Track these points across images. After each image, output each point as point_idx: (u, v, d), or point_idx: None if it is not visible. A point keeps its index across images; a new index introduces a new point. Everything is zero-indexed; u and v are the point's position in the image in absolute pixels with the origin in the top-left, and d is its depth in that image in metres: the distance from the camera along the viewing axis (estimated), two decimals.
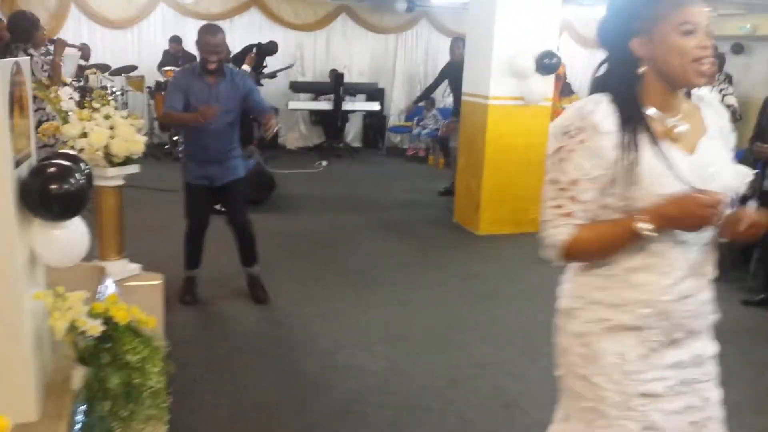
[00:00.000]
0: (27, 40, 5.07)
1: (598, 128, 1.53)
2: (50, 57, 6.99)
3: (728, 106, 6.05)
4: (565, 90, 10.84)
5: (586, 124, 1.55)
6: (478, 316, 4.30)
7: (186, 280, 4.31)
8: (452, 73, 7.36)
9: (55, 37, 7.14)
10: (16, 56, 4.62)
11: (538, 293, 4.74)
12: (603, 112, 1.54)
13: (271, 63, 9.82)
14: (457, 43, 7.37)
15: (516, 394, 3.31)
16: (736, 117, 6.06)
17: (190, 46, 9.56)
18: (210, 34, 3.95)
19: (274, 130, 4.07)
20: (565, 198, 1.62)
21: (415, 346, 3.83)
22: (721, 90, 6.16)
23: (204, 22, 10.17)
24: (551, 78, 6.27)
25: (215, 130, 3.98)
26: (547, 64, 6.04)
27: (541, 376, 3.52)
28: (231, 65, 4.48)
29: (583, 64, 12.13)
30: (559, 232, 1.62)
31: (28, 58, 3.33)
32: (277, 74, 9.86)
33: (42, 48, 6.17)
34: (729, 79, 8.85)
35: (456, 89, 7.31)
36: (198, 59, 4.11)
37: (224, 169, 4.12)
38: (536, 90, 6.09)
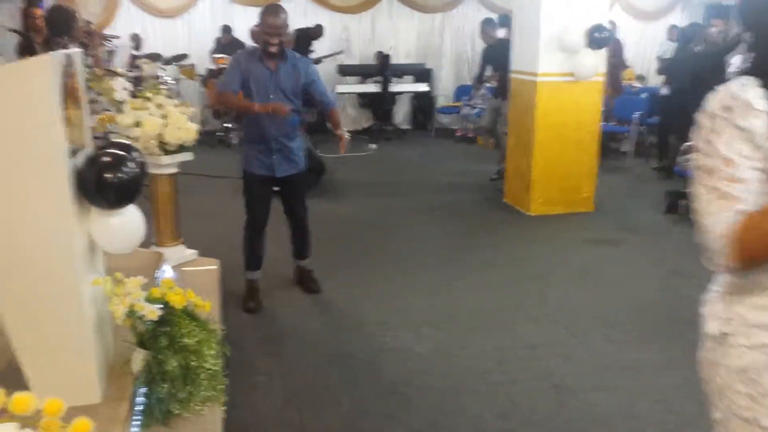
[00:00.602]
0: (65, 34, 5.19)
1: (751, 105, 1.34)
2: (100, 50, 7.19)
3: None
4: (618, 64, 10.57)
5: (738, 102, 1.35)
6: (527, 298, 4.27)
7: (248, 284, 4.14)
8: (491, 57, 7.27)
9: (91, 29, 7.32)
10: (54, 50, 4.75)
11: (589, 274, 4.68)
12: (754, 93, 1.35)
13: (318, 47, 9.86)
14: (487, 26, 7.32)
15: (565, 377, 3.28)
16: None
17: (239, 33, 9.74)
18: (272, 14, 3.74)
19: (346, 143, 3.94)
20: (722, 179, 1.35)
21: (462, 327, 3.83)
22: None
23: (251, 8, 10.36)
24: (602, 52, 6.11)
25: (275, 118, 3.80)
26: (598, 38, 5.88)
27: (591, 357, 3.49)
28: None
29: (635, 37, 11.76)
30: (722, 219, 1.34)
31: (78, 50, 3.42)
32: (324, 60, 9.88)
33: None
34: None
35: (498, 71, 7.26)
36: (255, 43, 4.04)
37: (285, 159, 3.95)
38: (587, 65, 5.94)
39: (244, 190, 4.03)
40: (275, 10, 3.75)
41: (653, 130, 9.19)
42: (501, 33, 7.29)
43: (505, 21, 7.15)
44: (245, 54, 3.97)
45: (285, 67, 3.80)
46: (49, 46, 5.15)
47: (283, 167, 3.93)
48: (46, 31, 5.30)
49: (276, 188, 4.11)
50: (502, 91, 7.15)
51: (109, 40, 7.47)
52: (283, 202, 4.12)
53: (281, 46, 3.78)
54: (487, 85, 8.22)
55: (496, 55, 7.08)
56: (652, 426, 2.89)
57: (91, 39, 6.00)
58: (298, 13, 10.55)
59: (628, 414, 2.98)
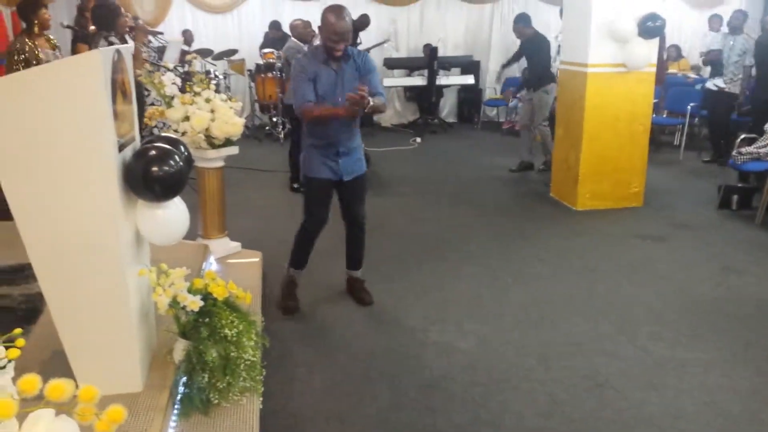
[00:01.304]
0: (109, 29, 5.32)
1: None
2: (154, 45, 7.35)
3: None
4: (673, 54, 10.26)
5: None
6: (574, 293, 4.19)
7: (289, 281, 3.99)
8: (529, 50, 7.35)
9: (137, 22, 7.47)
10: (98, 45, 4.87)
11: (638, 270, 4.57)
12: None
13: (365, 38, 9.86)
14: (519, 22, 7.31)
15: (610, 375, 3.21)
16: None
17: (288, 28, 9.78)
18: (337, 17, 3.45)
19: (364, 101, 3.47)
20: None
21: (506, 322, 3.79)
22: None
23: (301, 3, 10.43)
24: (655, 42, 5.93)
25: (342, 122, 3.62)
26: (651, 27, 5.71)
27: (638, 355, 3.41)
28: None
29: (692, 26, 11.38)
30: None
31: (130, 45, 3.51)
32: (370, 51, 9.85)
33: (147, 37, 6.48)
34: None
35: (529, 64, 7.44)
36: (320, 43, 3.69)
37: (351, 162, 3.75)
38: (639, 55, 5.77)
39: (306, 193, 3.84)
40: (340, 13, 3.47)
41: (706, 122, 8.92)
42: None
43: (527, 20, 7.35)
44: (309, 59, 3.68)
45: (348, 66, 3.61)
46: (93, 40, 5.29)
47: (350, 170, 3.76)
48: (91, 26, 5.46)
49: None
50: (536, 82, 7.19)
51: (154, 35, 7.58)
52: (344, 206, 3.90)
53: (346, 49, 3.57)
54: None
55: (534, 48, 7.19)
56: (699, 426, 2.81)
57: (136, 34, 6.14)
58: (348, 5, 10.54)
59: (674, 414, 2.90)
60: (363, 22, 9.58)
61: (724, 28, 8.23)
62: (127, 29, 5.91)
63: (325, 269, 4.34)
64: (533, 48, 7.22)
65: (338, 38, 3.49)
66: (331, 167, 3.71)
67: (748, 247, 5.03)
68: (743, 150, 5.87)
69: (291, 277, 3.98)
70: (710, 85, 7.91)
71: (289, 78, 5.27)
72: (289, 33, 9.70)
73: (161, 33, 9.34)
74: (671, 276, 4.46)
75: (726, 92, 7.62)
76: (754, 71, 7.51)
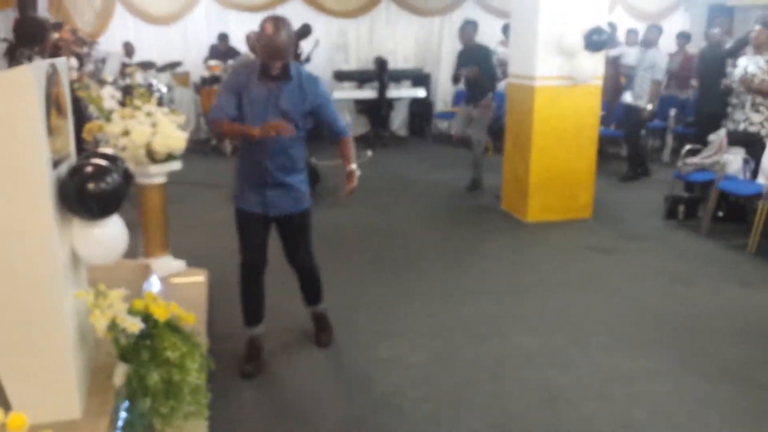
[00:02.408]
0: (33, 45, 5.05)
1: None
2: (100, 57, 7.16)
3: None
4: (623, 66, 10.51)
5: None
6: (525, 306, 4.20)
7: (248, 342, 3.49)
8: (464, 59, 7.15)
9: (75, 34, 7.23)
10: (20, 62, 4.63)
11: (588, 282, 4.62)
12: None
13: (314, 52, 9.82)
14: (467, 27, 7.17)
15: (562, 387, 3.21)
16: None
17: (236, 41, 9.67)
18: (272, 31, 3.04)
19: (351, 191, 3.29)
20: None
21: (458, 337, 3.77)
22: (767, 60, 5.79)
23: (247, 14, 10.31)
24: (601, 55, 6.05)
25: (271, 146, 3.16)
26: (597, 40, 5.82)
27: (590, 367, 3.43)
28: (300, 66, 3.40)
29: (639, 39, 11.71)
30: None
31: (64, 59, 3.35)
32: (310, 58, 9.67)
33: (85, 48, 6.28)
34: None
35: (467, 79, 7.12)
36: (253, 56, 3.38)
37: (282, 196, 3.29)
38: (585, 68, 5.88)
39: (237, 227, 3.40)
40: (276, 26, 3.05)
41: (653, 134, 9.16)
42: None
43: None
44: (242, 71, 3.31)
45: (288, 87, 3.17)
46: (13, 56, 5.04)
47: (280, 205, 3.31)
48: (14, 41, 5.21)
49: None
50: (473, 96, 7.08)
51: (83, 48, 7.24)
52: (282, 246, 3.50)
53: (285, 68, 3.15)
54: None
55: (482, 55, 7.07)
56: None
57: (63, 49, 5.93)
58: (295, 18, 10.39)
59: (625, 424, 2.92)
60: (304, 31, 9.47)
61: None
62: (56, 46, 5.67)
63: (272, 287, 4.24)
64: (482, 55, 7.08)
65: (271, 55, 3.06)
66: (256, 199, 3.29)
67: (694, 258, 5.15)
68: (688, 161, 6.03)
69: (249, 338, 3.50)
70: (626, 98, 8.02)
71: None
72: (235, 46, 9.63)
73: (89, 44, 9.12)
74: (620, 288, 4.52)
75: (633, 107, 7.60)
76: (665, 84, 7.67)
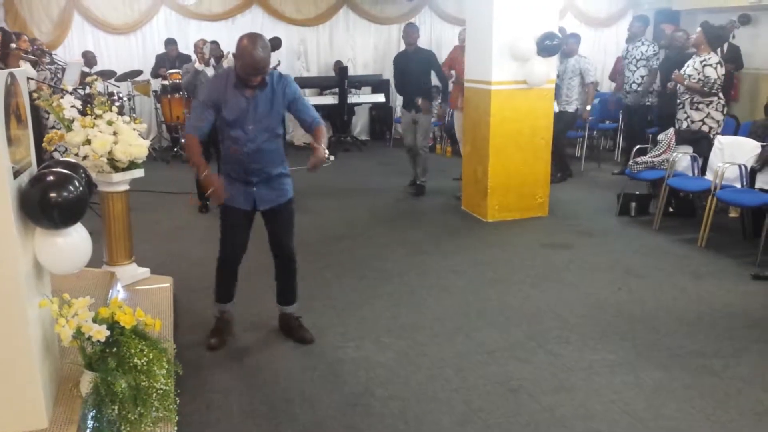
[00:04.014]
0: None
1: None
2: (53, 66, 7.07)
3: (706, 77, 5.95)
4: None
5: None
6: (487, 303, 4.30)
7: (217, 318, 3.75)
8: (403, 63, 7.09)
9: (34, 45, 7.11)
10: None
11: (545, 278, 4.75)
12: None
13: (275, 59, 9.83)
14: (412, 28, 7.11)
15: (522, 380, 3.31)
16: (710, 88, 5.96)
17: (189, 48, 9.58)
18: (254, 49, 3.20)
19: (323, 164, 3.40)
20: None
21: (423, 335, 3.84)
22: (703, 60, 6.03)
23: (206, 23, 10.26)
24: (554, 60, 6.23)
25: (253, 150, 3.39)
26: (549, 45, 6.00)
27: (549, 360, 3.53)
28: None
29: (588, 43, 12.00)
30: None
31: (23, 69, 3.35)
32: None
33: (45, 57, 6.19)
34: (735, 50, 8.74)
35: (409, 81, 7.01)
36: (230, 67, 3.46)
37: (269, 190, 3.53)
38: (538, 73, 6.04)
39: (221, 221, 3.60)
40: (254, 43, 3.21)
41: (606, 134, 9.40)
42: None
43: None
44: (218, 82, 3.44)
45: (263, 94, 3.37)
46: None
47: (269, 199, 3.54)
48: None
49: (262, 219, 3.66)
50: (413, 102, 6.99)
51: (29, 57, 7.05)
52: (269, 237, 3.67)
53: (263, 79, 3.34)
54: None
55: (404, 63, 7.02)
56: (607, 425, 2.93)
57: (9, 60, 5.86)
58: (255, 27, 10.51)
59: (584, 415, 3.02)
60: (274, 44, 9.55)
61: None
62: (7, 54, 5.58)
63: (245, 293, 4.25)
64: (423, 61, 7.00)
65: (255, 72, 3.25)
66: (244, 196, 3.49)
67: (647, 252, 5.33)
68: (639, 159, 6.23)
69: (219, 313, 3.74)
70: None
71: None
72: (184, 52, 9.55)
73: (90, 52, 9.00)
74: (576, 282, 4.66)
75: (561, 113, 7.64)
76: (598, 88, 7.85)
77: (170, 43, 9.67)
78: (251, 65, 3.23)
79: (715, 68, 5.94)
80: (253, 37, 3.27)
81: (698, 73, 5.99)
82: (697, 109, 6.08)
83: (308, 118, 3.53)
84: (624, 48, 8.09)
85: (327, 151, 3.43)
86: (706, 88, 5.94)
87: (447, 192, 7.38)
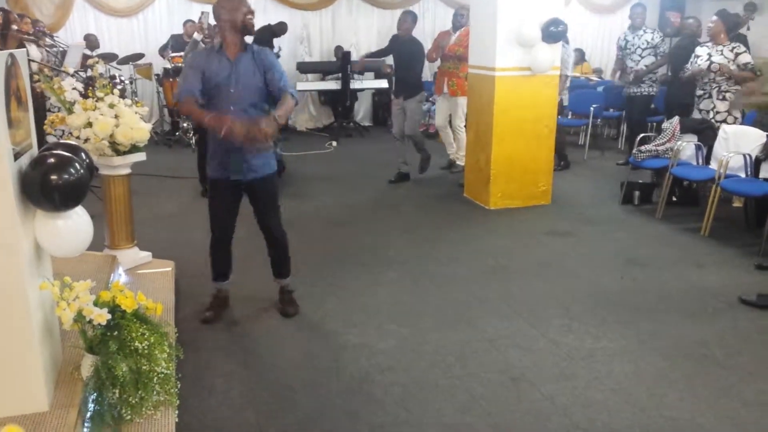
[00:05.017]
0: None
1: None
2: (55, 49, 7.02)
3: (745, 64, 5.92)
4: (577, 58, 10.71)
5: None
6: (488, 291, 4.29)
7: (214, 293, 3.87)
8: (396, 49, 7.06)
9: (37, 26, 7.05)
10: None
11: (548, 266, 4.74)
12: None
13: (279, 45, 9.78)
14: (406, 16, 7.03)
15: (524, 368, 3.31)
16: (756, 73, 5.94)
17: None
18: (250, 9, 3.44)
19: (268, 128, 3.26)
20: None
21: (425, 323, 3.83)
22: (732, 49, 6.02)
23: (209, 6, 10.19)
24: (558, 46, 6.17)
25: (239, 112, 3.40)
26: (554, 32, 5.94)
27: (550, 348, 3.53)
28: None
29: (593, 30, 11.92)
30: None
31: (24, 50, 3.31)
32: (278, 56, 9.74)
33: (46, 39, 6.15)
34: (743, 39, 8.66)
35: (399, 68, 6.99)
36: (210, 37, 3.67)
37: (251, 160, 3.52)
38: (543, 59, 5.99)
39: (209, 196, 3.69)
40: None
41: (609, 123, 9.35)
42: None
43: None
44: (201, 51, 3.63)
45: (245, 57, 3.45)
46: None
47: (254, 168, 3.55)
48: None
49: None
50: (402, 90, 6.93)
51: (30, 39, 7.00)
52: (256, 216, 3.72)
53: (244, 40, 3.48)
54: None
55: (416, 50, 6.94)
56: (608, 414, 2.93)
57: (6, 40, 5.82)
58: (258, 10, 10.32)
59: (585, 403, 3.01)
60: (280, 28, 9.49)
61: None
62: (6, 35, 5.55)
63: (247, 276, 4.26)
64: (415, 50, 6.96)
65: (249, 30, 3.45)
66: (233, 166, 3.49)
67: (649, 241, 5.31)
68: (643, 148, 6.20)
69: (215, 290, 3.85)
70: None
71: None
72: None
73: (93, 35, 8.94)
74: (579, 270, 4.64)
75: None
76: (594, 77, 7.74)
77: (187, 21, 9.57)
78: (241, 11, 3.39)
79: (746, 53, 5.94)
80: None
81: (729, 62, 5.94)
82: (723, 99, 6.03)
83: (281, 85, 3.49)
84: (621, 37, 7.87)
85: (276, 123, 3.28)
86: (756, 72, 5.91)
87: (450, 179, 7.35)
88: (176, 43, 9.53)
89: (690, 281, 4.47)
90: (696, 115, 6.27)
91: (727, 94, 6.02)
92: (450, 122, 7.61)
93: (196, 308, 3.90)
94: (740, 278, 4.49)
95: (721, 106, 6.07)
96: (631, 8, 7.84)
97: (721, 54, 6.03)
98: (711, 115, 6.11)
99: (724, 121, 6.00)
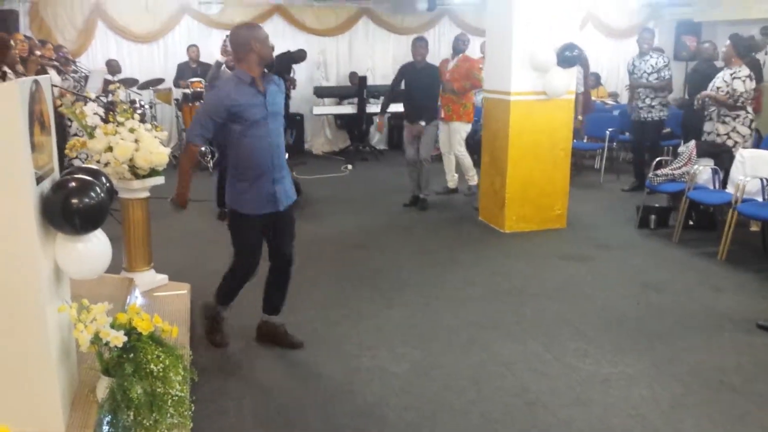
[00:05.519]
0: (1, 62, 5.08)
1: None
2: (77, 74, 7.16)
3: (734, 90, 5.93)
4: (592, 82, 10.73)
5: None
6: (503, 314, 4.28)
7: (215, 316, 3.76)
8: (413, 76, 6.96)
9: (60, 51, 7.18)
10: None
11: (563, 290, 4.71)
12: None
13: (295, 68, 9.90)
14: (422, 43, 6.97)
15: (539, 393, 3.29)
16: (735, 101, 5.94)
17: (211, 58, 9.64)
18: (266, 37, 3.42)
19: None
20: None
21: (439, 346, 3.83)
22: (733, 73, 6.02)
23: (228, 33, 10.37)
24: (573, 71, 6.20)
25: (276, 144, 3.41)
26: (569, 56, 5.97)
27: (565, 373, 3.50)
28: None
29: (609, 54, 11.95)
30: None
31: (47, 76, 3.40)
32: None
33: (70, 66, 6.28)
34: (756, 62, 8.64)
35: (418, 94, 6.89)
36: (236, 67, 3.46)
37: (286, 188, 3.51)
38: (558, 84, 6.02)
39: (237, 232, 3.51)
40: (260, 27, 3.49)
41: (625, 146, 9.32)
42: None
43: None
44: (225, 88, 3.39)
45: (270, 86, 3.42)
46: None
47: (288, 196, 3.53)
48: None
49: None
50: (421, 115, 6.85)
51: (52, 64, 7.14)
52: (275, 244, 3.62)
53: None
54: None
55: (434, 75, 6.92)
56: None
57: (28, 65, 5.95)
58: (276, 36, 10.55)
59: (601, 428, 2.99)
60: (300, 55, 9.59)
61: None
62: (17, 60, 5.66)
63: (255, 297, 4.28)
64: (434, 76, 6.95)
65: (269, 57, 3.44)
66: (268, 198, 3.42)
67: (666, 265, 5.27)
68: (659, 172, 6.18)
69: (218, 313, 3.75)
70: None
71: None
72: (207, 61, 9.61)
73: (115, 60, 9.14)
74: (594, 295, 4.62)
75: None
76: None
77: (191, 46, 9.75)
78: (270, 51, 3.42)
79: (744, 81, 5.91)
80: (254, 24, 3.53)
81: (727, 86, 5.96)
82: (723, 122, 6.03)
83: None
84: (630, 62, 7.84)
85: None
86: (731, 101, 5.90)
87: (465, 202, 7.36)
88: (181, 71, 9.69)
89: (707, 306, 4.43)
90: (704, 137, 6.26)
91: (727, 118, 6.00)
92: (451, 148, 7.55)
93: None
94: (758, 303, 4.44)
95: (722, 129, 6.06)
96: (639, 33, 7.86)
97: (723, 78, 6.05)
98: (712, 137, 6.11)
99: (725, 143, 5.99)
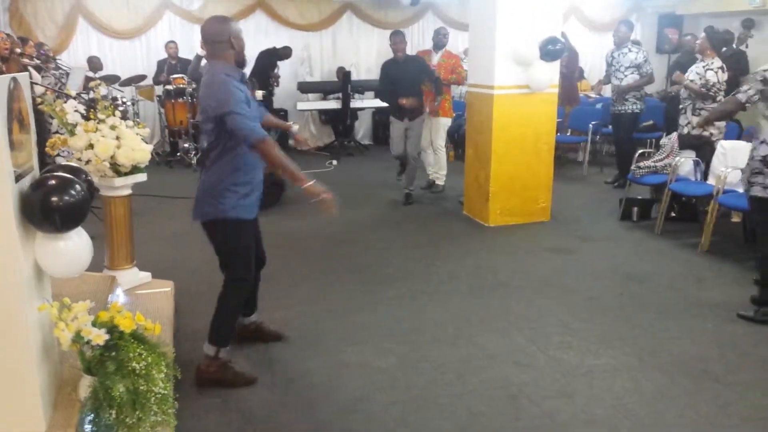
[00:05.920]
0: None
1: None
2: (59, 71, 7.09)
3: (706, 80, 6.00)
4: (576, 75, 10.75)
5: None
6: (488, 308, 4.30)
7: (226, 366, 3.33)
8: (397, 71, 6.83)
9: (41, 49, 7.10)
10: None
11: (547, 283, 4.74)
12: None
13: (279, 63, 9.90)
14: (397, 37, 6.87)
15: (524, 385, 3.30)
16: (707, 90, 6.01)
17: (189, 52, 9.56)
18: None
19: None
20: None
21: (424, 340, 3.83)
22: (706, 65, 6.07)
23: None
24: (556, 64, 6.22)
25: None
26: (551, 50, 5.99)
27: (550, 365, 3.52)
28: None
29: (592, 48, 12.00)
30: None
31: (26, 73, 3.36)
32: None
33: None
34: (740, 55, 8.72)
35: (403, 89, 6.74)
36: (233, 58, 3.15)
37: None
38: (541, 77, 6.04)
39: (237, 245, 3.24)
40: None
41: (608, 139, 9.37)
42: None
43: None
44: (231, 79, 3.05)
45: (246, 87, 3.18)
46: None
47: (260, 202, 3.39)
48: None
49: None
50: (409, 110, 6.79)
51: (33, 63, 7.00)
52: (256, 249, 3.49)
53: None
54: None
55: (397, 73, 6.80)
56: (608, 431, 2.92)
57: (9, 64, 5.89)
58: (260, 32, 10.56)
59: (585, 420, 3.01)
60: (285, 52, 9.64)
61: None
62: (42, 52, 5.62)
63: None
64: (419, 67, 6.90)
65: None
66: (258, 201, 3.31)
67: (649, 256, 5.31)
68: (642, 164, 6.22)
69: (226, 361, 3.33)
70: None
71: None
72: (188, 57, 9.54)
73: (96, 57, 9.04)
74: (578, 287, 4.65)
75: None
76: None
77: (170, 43, 9.67)
78: (243, 43, 3.21)
79: (716, 72, 5.96)
80: (228, 18, 3.23)
81: (700, 78, 6.01)
82: (698, 115, 6.08)
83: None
84: (609, 53, 7.81)
85: None
86: (704, 90, 5.97)
87: (449, 197, 7.38)
88: (161, 68, 9.63)
89: (689, 296, 4.47)
90: (679, 129, 6.31)
91: (703, 111, 6.05)
92: (432, 142, 7.53)
93: (195, 328, 3.89)
94: (740, 293, 4.48)
95: (696, 121, 6.12)
96: (616, 26, 7.84)
97: (695, 70, 6.11)
98: (687, 129, 6.17)
99: (701, 135, 6.05)
